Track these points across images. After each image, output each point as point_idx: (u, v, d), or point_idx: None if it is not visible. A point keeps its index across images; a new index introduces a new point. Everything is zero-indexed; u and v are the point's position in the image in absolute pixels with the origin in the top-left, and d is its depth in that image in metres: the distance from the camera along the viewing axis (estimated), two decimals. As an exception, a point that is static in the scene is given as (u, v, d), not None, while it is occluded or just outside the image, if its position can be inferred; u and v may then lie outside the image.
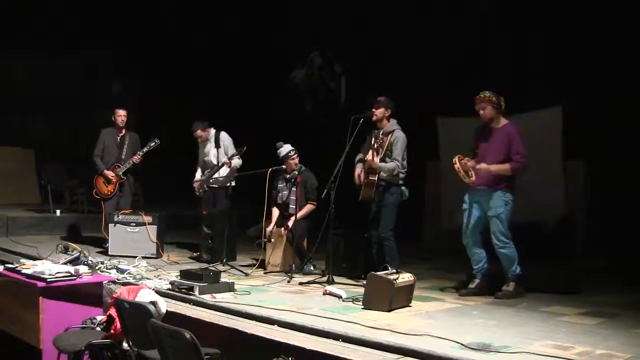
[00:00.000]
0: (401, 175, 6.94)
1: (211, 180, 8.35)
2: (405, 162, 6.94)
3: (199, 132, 8.53)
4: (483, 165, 6.26)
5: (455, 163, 6.30)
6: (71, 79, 14.21)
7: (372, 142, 6.90)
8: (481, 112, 6.40)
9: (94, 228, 9.64)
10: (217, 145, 8.39)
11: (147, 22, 14.01)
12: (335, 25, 12.61)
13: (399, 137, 6.91)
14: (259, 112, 12.88)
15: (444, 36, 10.76)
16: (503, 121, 6.44)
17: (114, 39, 13.73)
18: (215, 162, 8.38)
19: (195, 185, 8.53)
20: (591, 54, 9.09)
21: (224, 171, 8.35)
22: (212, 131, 8.55)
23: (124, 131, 8.97)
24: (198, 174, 8.68)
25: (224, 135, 8.52)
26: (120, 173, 8.80)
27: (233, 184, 8.54)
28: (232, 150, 8.36)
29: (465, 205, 6.56)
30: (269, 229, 7.78)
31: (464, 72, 10.26)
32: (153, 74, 14.28)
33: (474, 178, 6.35)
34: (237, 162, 8.34)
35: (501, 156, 6.30)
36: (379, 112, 6.96)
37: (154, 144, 8.75)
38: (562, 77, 9.31)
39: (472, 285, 6.56)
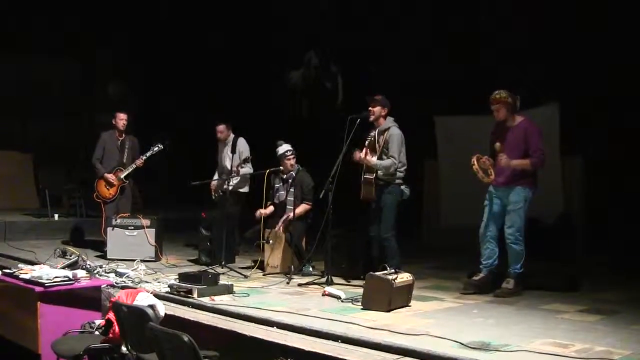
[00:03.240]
0: (399, 174, 6.90)
1: (224, 186, 8.36)
2: (404, 160, 6.91)
3: (220, 128, 8.74)
4: (504, 158, 6.27)
5: (474, 164, 6.30)
6: (71, 80, 14.17)
7: (367, 141, 6.87)
8: (495, 113, 6.45)
9: (93, 232, 9.62)
10: (233, 151, 8.47)
11: (147, 22, 14.00)
12: (334, 25, 12.61)
13: (394, 134, 6.87)
14: (257, 113, 12.86)
15: (443, 34, 10.76)
16: (518, 119, 6.48)
17: (114, 39, 13.71)
18: (229, 167, 8.49)
19: (212, 187, 8.66)
20: (588, 51, 9.09)
21: (236, 178, 8.46)
22: (232, 136, 8.72)
23: (123, 135, 8.94)
24: (215, 177, 8.83)
25: (241, 142, 8.64)
26: (123, 176, 8.77)
27: (246, 189, 8.75)
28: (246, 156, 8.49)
29: (486, 202, 6.57)
30: (265, 211, 7.87)
31: (461, 71, 10.25)
32: (152, 75, 14.27)
33: (493, 177, 6.36)
34: (246, 170, 8.46)
35: (519, 153, 6.32)
36: (375, 111, 6.94)
37: (157, 148, 8.77)
38: (560, 75, 9.31)
39: (475, 278, 6.55)
